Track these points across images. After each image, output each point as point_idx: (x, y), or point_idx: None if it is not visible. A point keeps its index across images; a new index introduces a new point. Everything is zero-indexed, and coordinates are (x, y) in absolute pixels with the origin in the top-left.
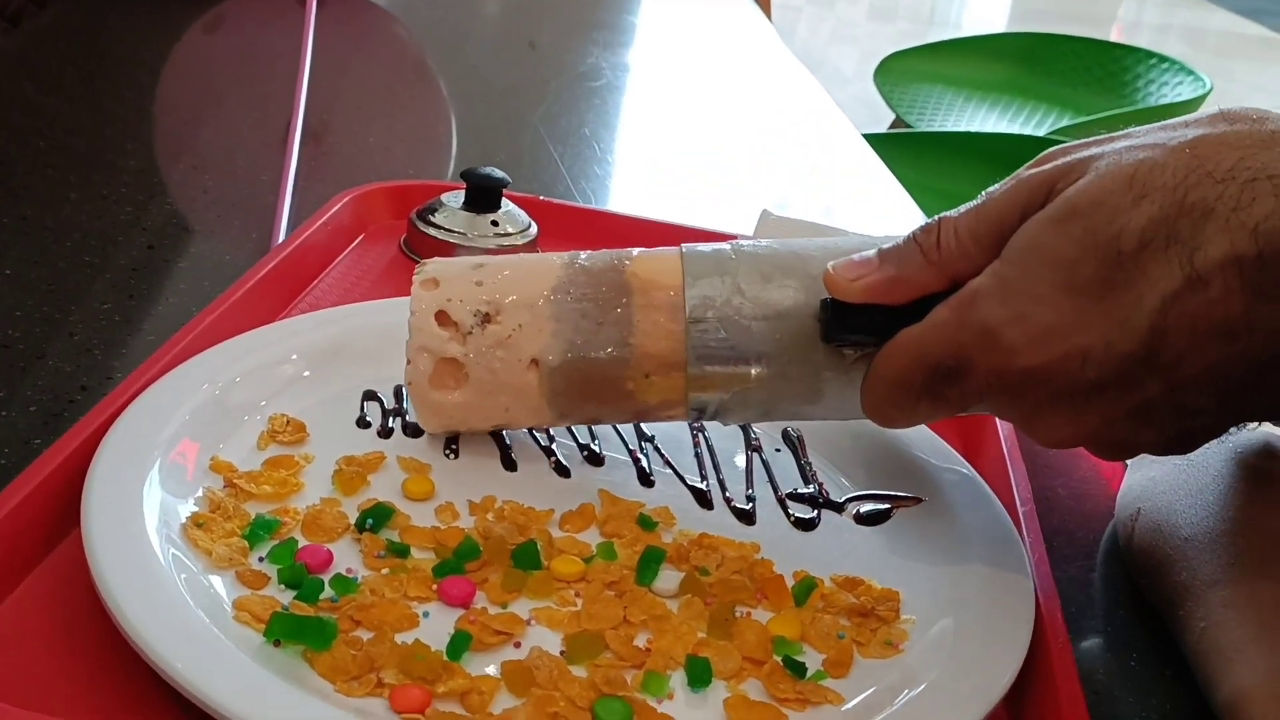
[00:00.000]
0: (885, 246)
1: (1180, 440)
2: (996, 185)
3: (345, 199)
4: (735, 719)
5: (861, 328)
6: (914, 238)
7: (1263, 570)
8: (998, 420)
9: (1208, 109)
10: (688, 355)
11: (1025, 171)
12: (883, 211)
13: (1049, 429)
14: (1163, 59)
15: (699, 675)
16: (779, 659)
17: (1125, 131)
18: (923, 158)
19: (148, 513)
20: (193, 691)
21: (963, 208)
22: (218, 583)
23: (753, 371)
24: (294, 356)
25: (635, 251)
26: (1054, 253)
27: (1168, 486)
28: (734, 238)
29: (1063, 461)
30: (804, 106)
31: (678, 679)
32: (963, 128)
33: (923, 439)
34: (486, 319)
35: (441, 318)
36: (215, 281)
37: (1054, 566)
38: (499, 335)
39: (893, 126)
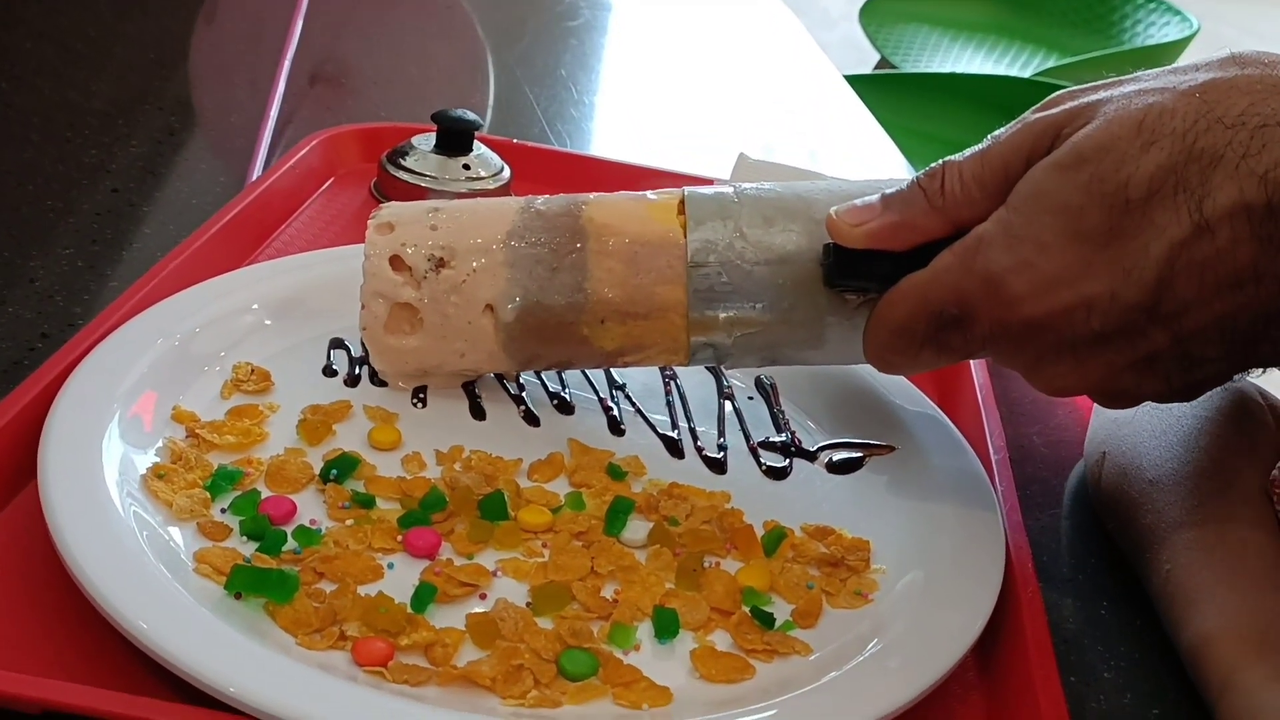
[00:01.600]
0: (889, 191)
1: (1185, 390)
2: (1002, 129)
3: (314, 141)
4: (702, 670)
5: (864, 274)
6: (918, 182)
7: (1228, 512)
8: (973, 366)
9: (1216, 53)
10: (689, 299)
11: (1031, 115)
12: (863, 156)
13: (1052, 378)
14: (1150, 0)
15: (666, 626)
16: (747, 610)
17: (1134, 75)
18: (907, 99)
19: (107, 463)
20: (149, 645)
21: (967, 152)
22: (178, 535)
23: (754, 316)
24: (258, 304)
25: (592, 196)
26: (1060, 200)
27: (1133, 430)
28: (710, 182)
29: (1038, 409)
30: (786, 49)
31: (645, 630)
32: (948, 69)
33: (897, 386)
34: (440, 264)
35: (395, 262)
36: (181, 226)
37: (1026, 515)
38: (453, 280)
39: (878, 68)
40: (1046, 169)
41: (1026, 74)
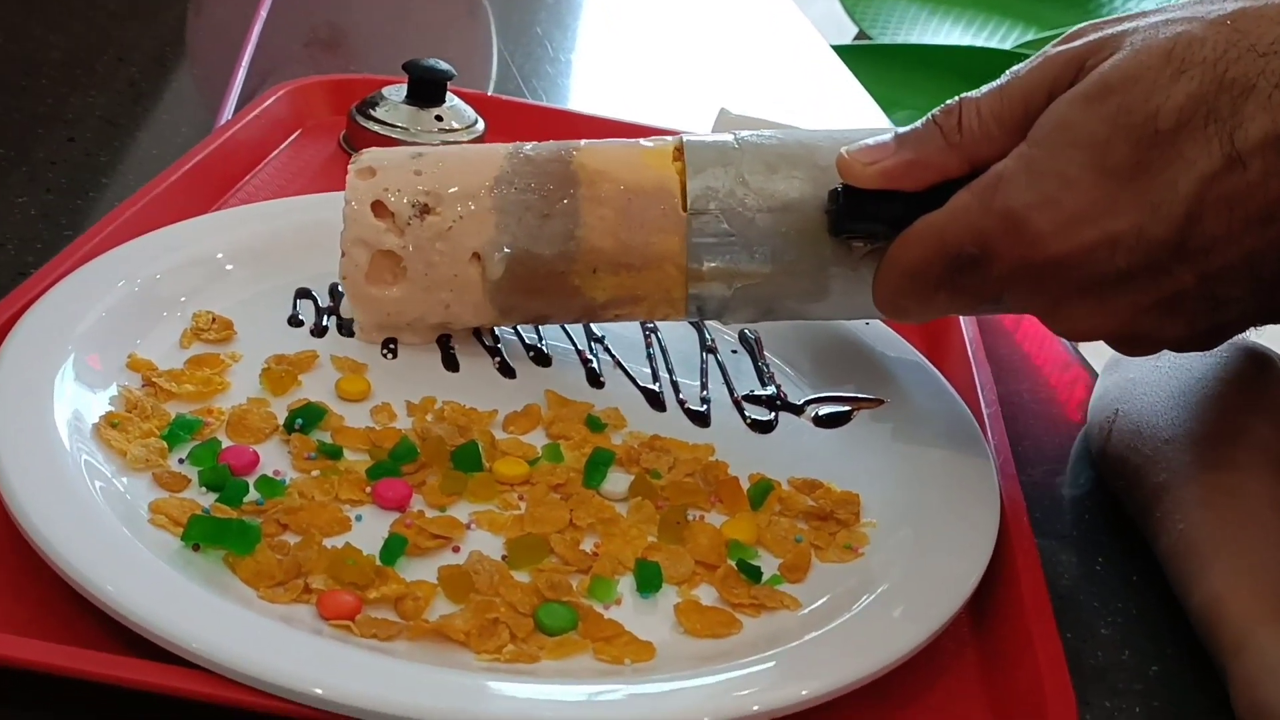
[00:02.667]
0: (902, 130)
1: (1207, 334)
2: (1021, 64)
3: (281, 92)
4: (686, 625)
5: (875, 216)
6: (933, 119)
7: (1242, 468)
8: (962, 319)
9: None
10: (688, 249)
11: (1052, 49)
12: (847, 116)
13: (1073, 320)
14: None
15: (649, 580)
16: (733, 563)
17: (1159, 7)
18: (886, 70)
19: (58, 411)
20: (101, 598)
21: (985, 88)
22: (133, 485)
23: (756, 266)
24: (222, 251)
25: (583, 143)
26: (1085, 132)
27: (1148, 389)
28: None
29: (1028, 365)
30: (767, 12)
31: (626, 584)
32: (927, 42)
33: (885, 338)
34: (425, 210)
35: (378, 208)
36: (141, 177)
37: (1020, 470)
38: (438, 227)
39: (856, 40)
40: (1071, 101)
41: (1005, 47)
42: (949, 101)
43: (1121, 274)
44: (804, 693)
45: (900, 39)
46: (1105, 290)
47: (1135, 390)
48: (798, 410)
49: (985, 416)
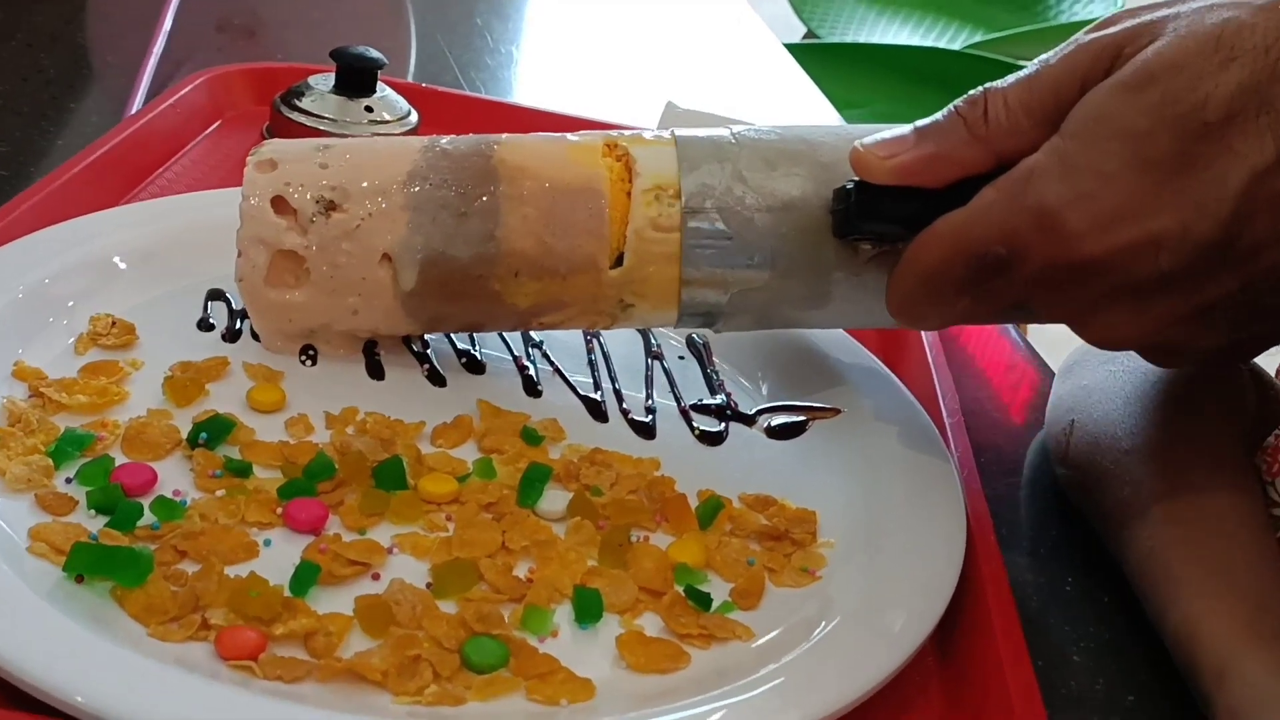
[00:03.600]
0: (922, 123)
1: (1243, 346)
2: (1051, 52)
3: (199, 79)
4: (629, 659)
5: (891, 214)
6: (956, 110)
7: (1211, 482)
8: None
9: None
10: (682, 250)
11: (1085, 36)
12: (797, 113)
13: (1105, 328)
14: None
15: (588, 609)
16: (680, 589)
17: None
18: (833, 69)
19: None
20: None
21: (1012, 77)
22: (11, 509)
23: (754, 269)
24: (122, 249)
25: (505, 137)
26: (1124, 124)
27: (1103, 395)
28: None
29: (990, 371)
30: (716, 6)
31: (563, 614)
32: (875, 42)
33: (841, 344)
34: (331, 206)
35: (279, 204)
36: (45, 169)
37: (982, 484)
38: (345, 225)
39: (804, 40)
40: (1109, 90)
41: (955, 48)
42: (972, 92)
43: (1162, 278)
44: None
45: (849, 39)
46: (1143, 295)
47: (1090, 398)
48: (749, 421)
49: (948, 426)
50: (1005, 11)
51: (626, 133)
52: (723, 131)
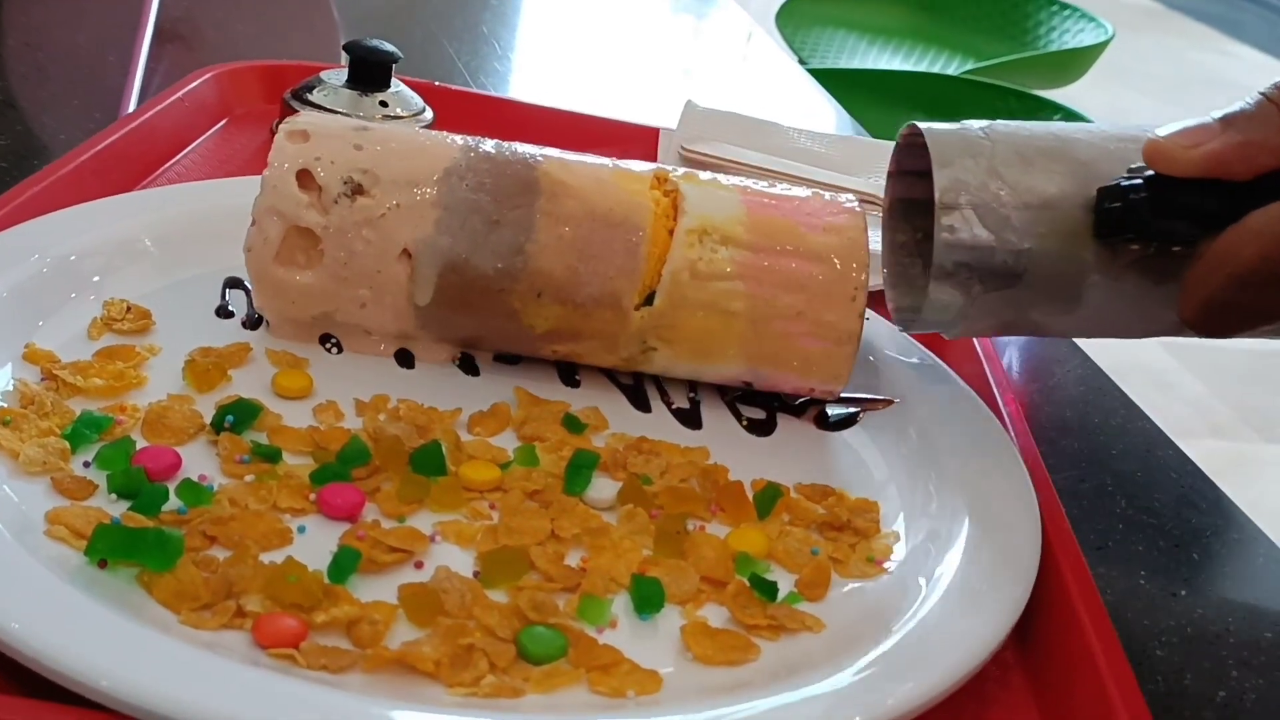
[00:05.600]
0: (1224, 112)
1: None
2: None
3: (207, 75)
4: (696, 650)
5: (1192, 209)
6: (1267, 98)
7: None
8: None
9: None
10: (936, 247)
11: None
12: (809, 115)
13: None
14: (1063, 5)
15: (648, 598)
16: (744, 579)
17: None
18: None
19: None
20: None
21: None
22: (26, 492)
23: (1006, 270)
24: (138, 234)
25: (553, 151)
26: None
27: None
28: (655, 131)
29: (1037, 362)
30: (719, 18)
31: (621, 604)
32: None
33: (886, 333)
34: (358, 190)
35: (304, 178)
36: (46, 161)
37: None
38: (369, 212)
39: None
40: None
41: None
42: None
43: None
44: None
45: (840, 67)
46: None
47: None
48: (797, 410)
49: (1005, 416)
50: (992, 40)
51: (679, 170)
52: (973, 125)
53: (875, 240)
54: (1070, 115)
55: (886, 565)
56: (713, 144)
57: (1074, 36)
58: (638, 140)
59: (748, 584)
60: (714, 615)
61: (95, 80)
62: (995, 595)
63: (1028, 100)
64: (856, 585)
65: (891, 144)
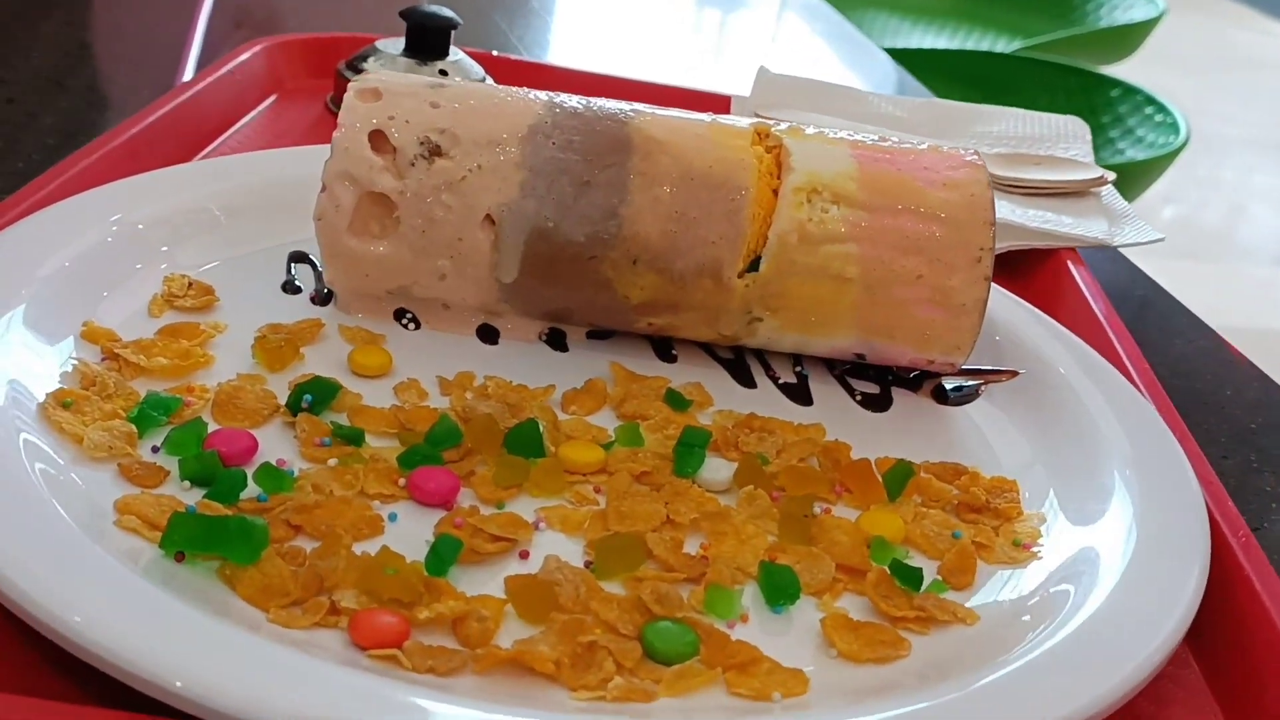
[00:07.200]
0: None
1: None
2: None
3: (256, 47)
4: (841, 646)
5: None
6: None
7: None
8: (1081, 284)
9: None
10: None
11: None
12: (877, 77)
13: None
14: None
15: (782, 589)
16: (884, 566)
17: None
18: None
19: None
20: (56, 627)
21: None
22: (92, 479)
23: None
24: (197, 206)
25: (643, 106)
26: None
27: None
28: (727, 100)
29: (1161, 336)
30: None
31: (749, 595)
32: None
33: (997, 297)
34: (436, 151)
35: (377, 139)
36: (89, 139)
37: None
38: (449, 175)
39: None
40: None
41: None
42: None
43: None
44: None
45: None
46: None
47: None
48: (913, 385)
49: (1140, 388)
50: (1041, 19)
51: (783, 124)
52: None
53: None
54: (1129, 90)
55: (1035, 549)
56: (788, 110)
57: (1124, 12)
58: (709, 108)
59: (888, 571)
60: (851, 606)
61: (144, 57)
62: (1168, 582)
63: (1086, 77)
64: (1004, 571)
65: (977, 107)
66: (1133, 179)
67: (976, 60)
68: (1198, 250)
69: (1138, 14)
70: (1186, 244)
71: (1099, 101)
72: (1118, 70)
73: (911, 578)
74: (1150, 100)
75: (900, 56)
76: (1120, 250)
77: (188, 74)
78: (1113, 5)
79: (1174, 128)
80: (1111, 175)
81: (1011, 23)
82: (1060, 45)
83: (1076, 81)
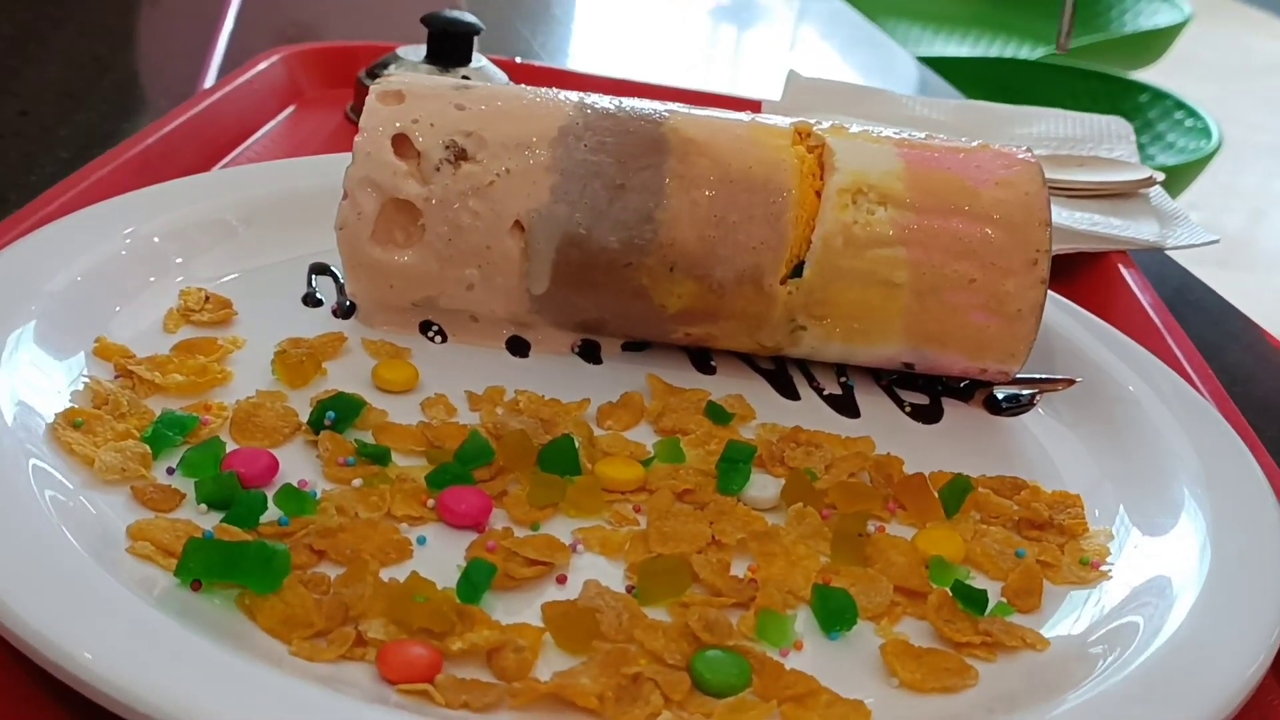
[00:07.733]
0: None
1: None
2: None
3: (275, 56)
4: (904, 675)
5: None
6: None
7: None
8: (1132, 283)
9: None
10: None
11: None
12: (907, 80)
13: None
14: None
15: (838, 614)
16: (946, 589)
17: None
18: None
19: (2, 408)
20: (63, 664)
21: None
22: (104, 503)
23: None
24: (212, 218)
25: (678, 105)
26: None
27: None
28: (757, 105)
29: (1215, 338)
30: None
31: (803, 620)
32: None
33: (1058, 306)
34: (462, 155)
35: (400, 144)
36: (105, 150)
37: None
38: (476, 179)
39: None
40: None
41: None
42: None
43: None
44: None
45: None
46: None
47: None
48: (964, 395)
49: (1204, 394)
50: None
51: (824, 123)
52: None
53: None
54: (1158, 95)
55: (1104, 568)
56: (820, 114)
57: (1149, 18)
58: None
59: (950, 594)
60: (911, 631)
61: (161, 69)
62: (1252, 604)
63: (1113, 82)
64: (1073, 593)
65: (1015, 108)
66: (1164, 185)
67: (1002, 67)
68: (1220, 257)
69: (1162, 19)
70: (1209, 250)
71: (1127, 107)
72: (1143, 76)
73: (976, 600)
74: (1180, 105)
75: (924, 65)
76: (1168, 253)
77: (209, 80)
78: (1137, 11)
79: (1205, 132)
80: (1160, 175)
81: (1035, 29)
82: (1085, 51)
83: (1103, 87)
